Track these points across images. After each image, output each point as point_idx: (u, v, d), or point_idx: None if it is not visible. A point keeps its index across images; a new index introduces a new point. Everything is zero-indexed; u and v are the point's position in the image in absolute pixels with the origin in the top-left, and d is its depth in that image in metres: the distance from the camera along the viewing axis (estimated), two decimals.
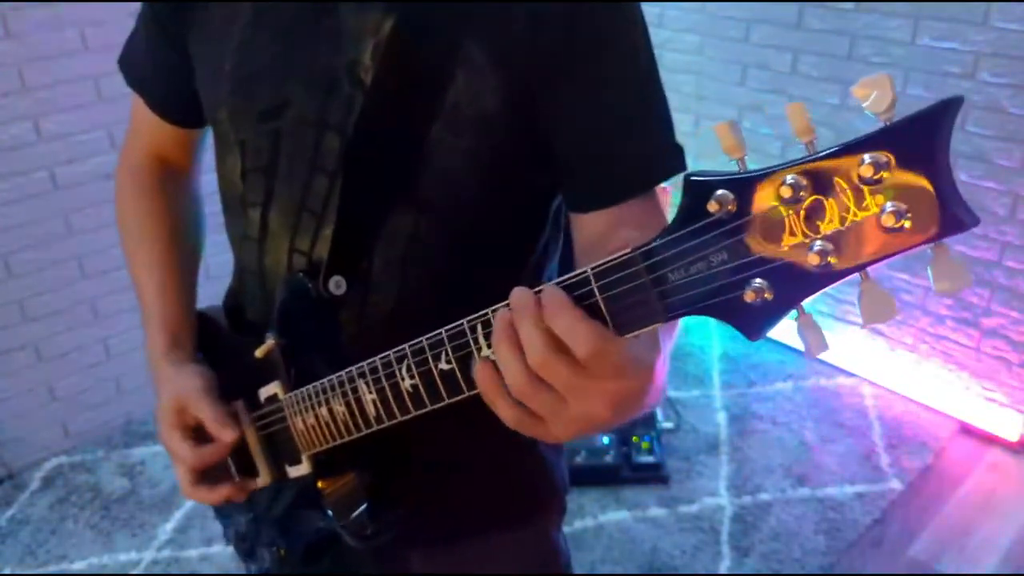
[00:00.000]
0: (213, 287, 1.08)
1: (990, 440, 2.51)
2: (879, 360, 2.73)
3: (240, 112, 0.86)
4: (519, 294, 0.57)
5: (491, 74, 0.77)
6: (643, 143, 0.81)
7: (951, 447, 2.50)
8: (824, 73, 2.63)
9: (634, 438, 2.45)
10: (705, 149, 2.56)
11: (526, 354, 0.55)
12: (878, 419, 2.60)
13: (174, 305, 0.99)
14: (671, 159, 0.82)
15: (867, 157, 0.43)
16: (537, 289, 0.57)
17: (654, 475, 2.40)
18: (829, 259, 0.45)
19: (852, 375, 2.77)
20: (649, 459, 2.40)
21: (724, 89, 2.88)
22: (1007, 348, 2.46)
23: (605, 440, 2.43)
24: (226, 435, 0.88)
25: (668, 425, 2.59)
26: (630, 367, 0.55)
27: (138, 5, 0.95)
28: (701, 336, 2.97)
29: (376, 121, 0.79)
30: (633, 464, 2.40)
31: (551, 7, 0.76)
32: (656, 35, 2.99)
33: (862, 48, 2.51)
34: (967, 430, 2.55)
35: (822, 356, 2.92)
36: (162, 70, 0.95)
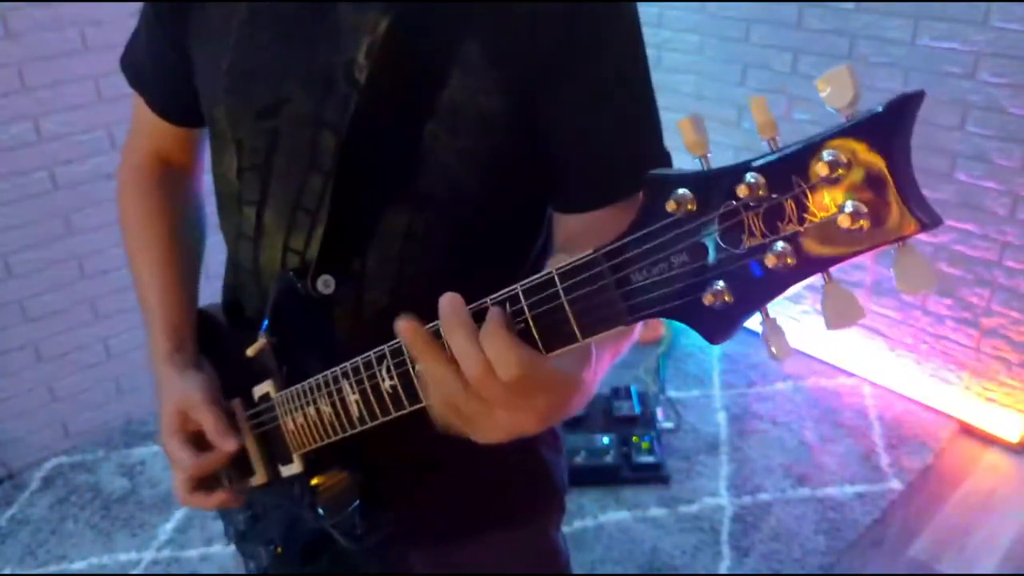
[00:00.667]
0: (213, 286, 1.08)
1: (990, 440, 2.51)
2: (879, 360, 2.73)
3: (237, 110, 0.86)
4: (451, 304, 0.58)
5: (488, 74, 0.77)
6: (633, 147, 0.81)
7: (951, 447, 2.50)
8: (824, 73, 2.62)
9: (634, 438, 2.45)
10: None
11: (463, 367, 0.56)
12: (878, 419, 2.59)
13: (176, 306, 0.99)
14: (657, 166, 0.82)
15: (826, 155, 0.41)
16: (478, 304, 0.58)
17: (654, 475, 2.40)
18: (788, 260, 0.44)
19: (852, 375, 2.77)
20: (649, 459, 2.40)
21: (724, 89, 2.88)
22: (1007, 348, 2.45)
23: (605, 440, 2.43)
24: (227, 445, 0.88)
25: (668, 425, 2.59)
26: (557, 384, 0.57)
27: (138, 5, 0.96)
28: (700, 336, 2.96)
29: (370, 120, 0.79)
30: (633, 464, 2.40)
31: (550, 7, 0.76)
32: (656, 35, 2.97)
33: (862, 48, 2.51)
34: (967, 430, 2.55)
35: (822, 356, 2.91)
36: (162, 70, 0.95)
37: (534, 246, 0.93)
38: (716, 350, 2.91)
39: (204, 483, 0.92)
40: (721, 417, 2.64)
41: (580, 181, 0.82)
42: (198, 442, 0.91)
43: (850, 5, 2.50)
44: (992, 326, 2.47)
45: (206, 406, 0.89)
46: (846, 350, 2.79)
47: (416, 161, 0.80)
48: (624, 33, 0.79)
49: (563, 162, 0.81)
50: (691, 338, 2.97)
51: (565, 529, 1.13)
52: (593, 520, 2.29)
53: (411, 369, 0.65)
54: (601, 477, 2.39)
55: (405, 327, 0.59)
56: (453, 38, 0.78)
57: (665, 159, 0.83)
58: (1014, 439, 2.47)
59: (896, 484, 2.35)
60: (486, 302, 0.58)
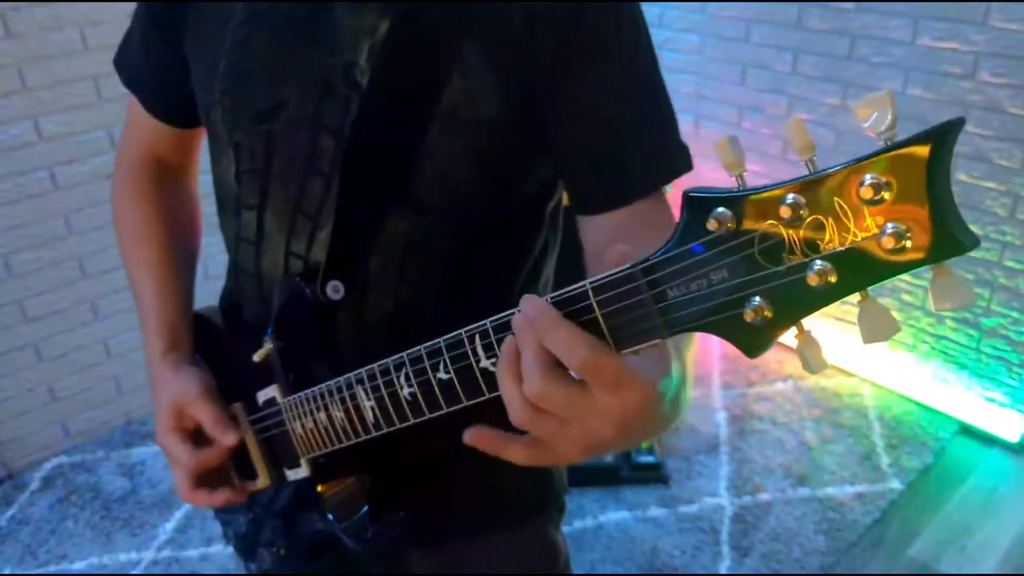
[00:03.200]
0: (212, 287, 1.08)
1: (990, 440, 2.51)
2: (879, 360, 2.73)
3: (234, 113, 0.85)
4: (522, 313, 0.55)
5: (488, 76, 0.77)
6: (648, 143, 0.81)
7: (951, 447, 2.50)
8: (824, 73, 2.62)
9: None
10: (705, 149, 2.56)
11: (524, 384, 0.55)
12: (878, 419, 2.60)
13: (171, 306, 0.99)
14: (677, 158, 0.82)
15: (868, 178, 0.42)
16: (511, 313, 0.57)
17: (654, 475, 2.40)
18: (829, 279, 0.45)
19: (852, 375, 2.77)
20: (649, 459, 2.41)
21: (724, 89, 2.88)
22: (1007, 348, 2.46)
23: None
24: (227, 438, 0.87)
25: None
26: (627, 381, 0.54)
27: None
28: (701, 336, 2.95)
29: (372, 123, 0.79)
30: (633, 464, 2.40)
31: (549, 9, 0.76)
32: (656, 35, 2.99)
33: (862, 48, 2.51)
34: (967, 430, 2.55)
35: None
36: (157, 70, 0.95)
37: (535, 248, 0.93)
38: (716, 350, 2.91)
39: (206, 480, 0.91)
40: (721, 417, 2.64)
41: (593, 183, 0.81)
42: (196, 438, 0.90)
43: (850, 5, 2.50)
44: (992, 326, 2.47)
45: (203, 401, 0.89)
46: (846, 350, 2.79)
47: (416, 164, 0.80)
48: (629, 29, 0.79)
49: (574, 165, 0.81)
50: None
51: (565, 529, 1.13)
52: (593, 520, 2.29)
53: (430, 379, 0.64)
54: (601, 477, 2.39)
55: (510, 341, 0.56)
56: (452, 40, 0.77)
57: (681, 154, 0.82)
58: (1014, 439, 2.47)
59: (896, 484, 2.35)
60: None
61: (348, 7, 0.79)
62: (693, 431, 2.59)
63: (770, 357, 2.85)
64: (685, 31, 2.92)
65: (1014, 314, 2.42)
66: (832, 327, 2.82)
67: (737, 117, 2.83)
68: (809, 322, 0.48)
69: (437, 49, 0.78)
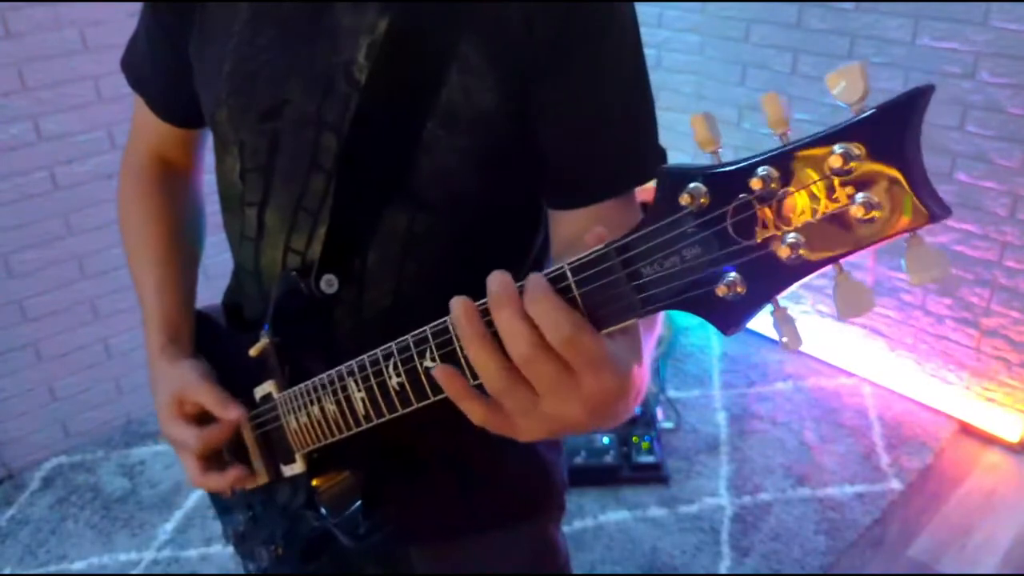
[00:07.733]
0: (213, 287, 1.08)
1: (990, 440, 2.51)
2: (879, 360, 2.73)
3: (239, 112, 0.86)
4: (500, 281, 0.56)
5: (486, 73, 0.78)
6: (625, 145, 0.82)
7: (951, 447, 2.50)
8: (824, 73, 2.61)
9: (634, 438, 2.45)
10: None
11: (511, 347, 0.55)
12: (878, 419, 2.59)
13: (172, 304, 0.99)
14: (652, 162, 0.82)
15: (837, 148, 0.42)
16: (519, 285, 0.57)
17: (654, 475, 2.40)
18: (801, 252, 0.45)
19: (852, 375, 2.77)
20: (649, 459, 2.40)
21: (724, 89, 2.88)
22: (1007, 348, 2.45)
23: (605, 440, 2.43)
24: (230, 413, 0.88)
25: (668, 425, 2.59)
26: (606, 363, 0.54)
27: (138, 5, 0.96)
28: (701, 336, 2.96)
29: (371, 120, 0.80)
30: (633, 464, 2.40)
31: (547, 5, 0.76)
32: (656, 35, 2.96)
33: (862, 48, 2.51)
34: (967, 430, 2.55)
35: (822, 356, 2.91)
36: (162, 71, 0.95)
37: (534, 244, 0.93)
38: (716, 350, 2.91)
39: (215, 463, 0.92)
40: (721, 417, 2.64)
41: (567, 179, 0.82)
42: (199, 422, 0.91)
43: (850, 5, 2.50)
44: (992, 326, 2.47)
45: (202, 384, 0.89)
46: (846, 350, 2.79)
47: (416, 160, 0.80)
48: (620, 30, 0.80)
49: (560, 157, 0.82)
50: (691, 338, 2.97)
51: (565, 529, 1.13)
52: (593, 520, 2.29)
53: (417, 367, 0.64)
54: (601, 477, 2.39)
55: (462, 305, 0.57)
56: (450, 37, 0.78)
57: (661, 156, 0.83)
58: (1014, 439, 2.47)
59: (896, 484, 2.35)
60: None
61: (348, 6, 0.80)
62: (693, 431, 2.59)
63: (770, 357, 2.85)
64: (685, 31, 2.92)
65: (1014, 314, 2.42)
66: (829, 325, 2.82)
67: (737, 117, 2.83)
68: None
69: (435, 46, 0.78)
